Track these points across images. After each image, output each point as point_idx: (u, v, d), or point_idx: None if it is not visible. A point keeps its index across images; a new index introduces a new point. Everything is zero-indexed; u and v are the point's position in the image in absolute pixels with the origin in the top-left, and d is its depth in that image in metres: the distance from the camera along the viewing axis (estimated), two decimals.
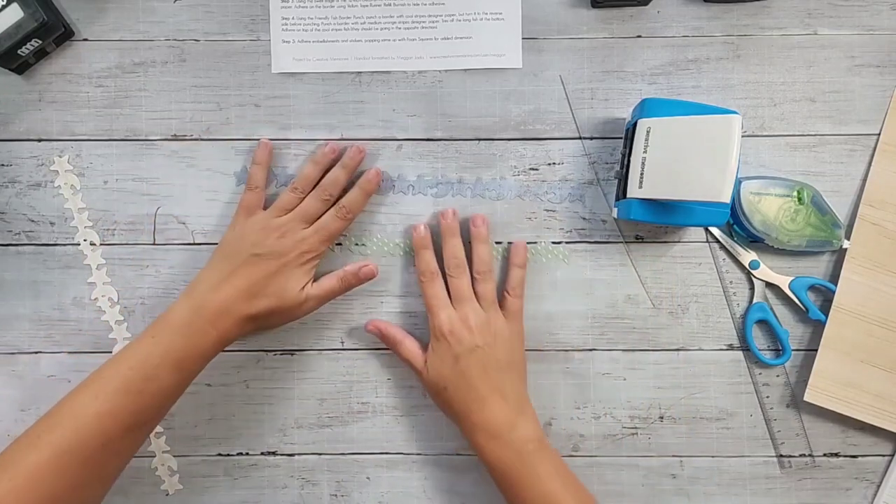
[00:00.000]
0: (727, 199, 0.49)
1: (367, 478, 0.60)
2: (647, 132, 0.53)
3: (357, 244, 0.60)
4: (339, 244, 0.60)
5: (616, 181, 0.58)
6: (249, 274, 0.53)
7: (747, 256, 0.59)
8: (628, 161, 0.55)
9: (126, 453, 0.50)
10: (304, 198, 0.56)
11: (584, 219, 0.60)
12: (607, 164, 0.60)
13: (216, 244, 0.59)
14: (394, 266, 0.60)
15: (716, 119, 0.50)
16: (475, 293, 0.56)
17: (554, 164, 0.60)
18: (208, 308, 0.52)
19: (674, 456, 0.60)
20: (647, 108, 0.54)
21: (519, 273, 0.57)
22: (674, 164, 0.51)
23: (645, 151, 0.53)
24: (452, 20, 0.60)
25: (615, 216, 0.59)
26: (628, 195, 0.54)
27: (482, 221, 0.58)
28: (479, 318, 0.55)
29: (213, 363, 0.59)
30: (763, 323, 0.59)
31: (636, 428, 0.60)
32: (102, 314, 0.60)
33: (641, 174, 0.53)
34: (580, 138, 0.60)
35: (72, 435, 0.46)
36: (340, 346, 0.60)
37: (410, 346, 0.57)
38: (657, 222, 0.55)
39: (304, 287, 0.55)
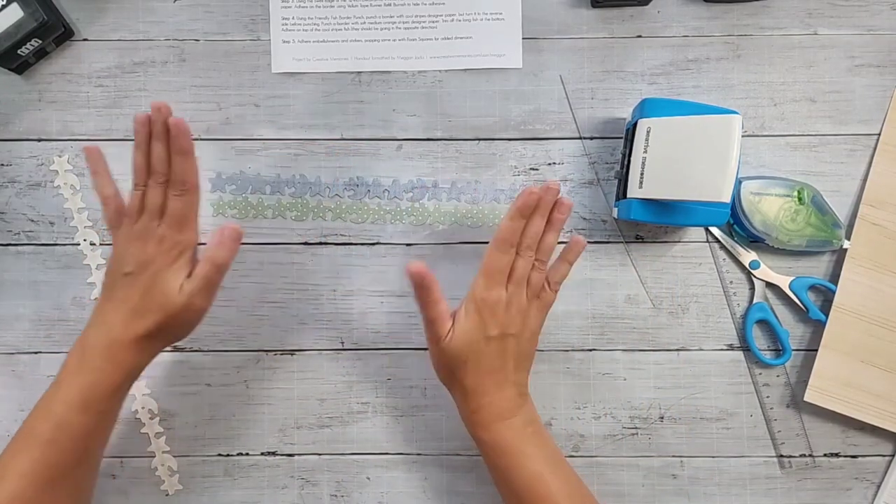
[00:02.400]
0: (727, 199, 0.49)
1: (367, 478, 0.60)
2: (648, 132, 0.53)
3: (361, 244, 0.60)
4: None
5: (616, 181, 0.58)
6: (127, 297, 0.49)
7: (747, 256, 0.59)
8: (628, 161, 0.55)
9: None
10: (146, 191, 0.51)
11: (584, 219, 0.60)
12: (607, 164, 0.60)
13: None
14: (394, 266, 0.60)
15: (716, 119, 0.50)
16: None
17: (554, 164, 0.60)
18: (96, 345, 0.48)
19: (674, 456, 0.60)
20: (647, 108, 0.54)
21: (565, 269, 0.54)
22: (674, 164, 0.51)
23: (645, 151, 0.53)
24: (452, 20, 0.60)
25: (615, 216, 0.59)
26: (628, 195, 0.54)
27: (567, 209, 0.52)
28: (521, 306, 0.52)
29: (214, 363, 0.60)
30: (763, 323, 0.59)
31: (636, 428, 0.60)
32: None
33: (641, 174, 0.53)
34: (580, 138, 0.60)
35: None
36: (340, 347, 0.60)
37: (443, 310, 0.51)
38: (657, 222, 0.55)
39: (181, 286, 0.49)
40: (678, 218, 0.54)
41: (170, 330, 0.50)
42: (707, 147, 0.50)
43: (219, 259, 0.50)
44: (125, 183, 0.60)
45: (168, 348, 0.59)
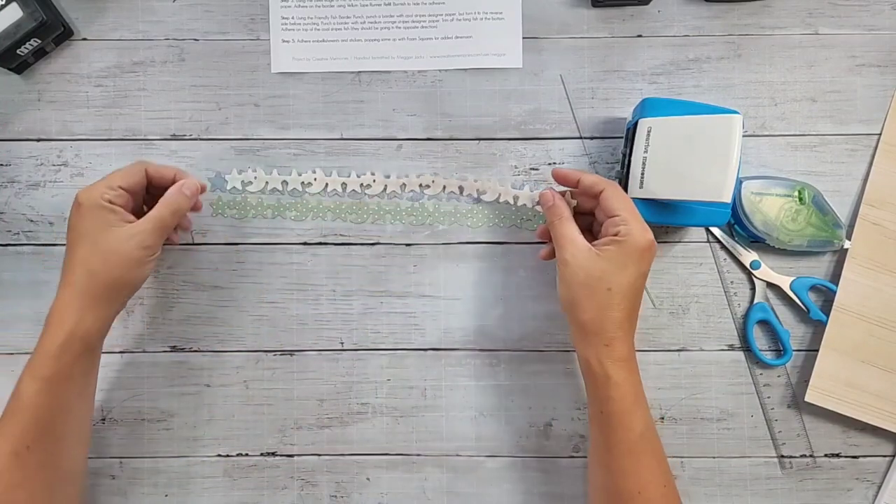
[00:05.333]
0: (728, 199, 0.49)
1: (367, 478, 0.60)
2: (648, 132, 0.53)
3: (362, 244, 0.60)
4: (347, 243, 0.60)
5: (616, 181, 0.58)
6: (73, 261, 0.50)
7: (748, 256, 0.59)
8: (629, 161, 0.54)
9: (26, 483, 0.47)
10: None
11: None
12: (608, 163, 0.60)
13: (216, 244, 0.59)
14: (393, 266, 0.60)
15: (717, 119, 0.50)
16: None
17: (554, 163, 0.60)
18: (51, 311, 0.49)
19: (675, 456, 0.60)
20: (647, 107, 0.54)
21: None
22: (675, 163, 0.51)
23: (646, 151, 0.53)
24: (452, 20, 0.60)
25: None
26: (629, 195, 0.54)
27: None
28: None
29: (213, 363, 0.60)
30: (764, 323, 0.59)
31: None
32: None
33: (642, 174, 0.53)
34: (581, 138, 0.60)
35: None
36: (340, 347, 0.60)
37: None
38: (658, 222, 0.54)
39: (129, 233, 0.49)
40: (679, 218, 0.54)
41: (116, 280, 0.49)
42: (708, 147, 0.50)
43: (174, 204, 0.51)
44: None
45: (167, 348, 0.60)
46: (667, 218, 0.54)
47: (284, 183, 0.59)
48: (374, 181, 0.59)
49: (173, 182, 0.53)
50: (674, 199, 0.53)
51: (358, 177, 0.59)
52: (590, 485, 0.53)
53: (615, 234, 0.48)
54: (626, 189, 0.55)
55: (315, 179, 0.59)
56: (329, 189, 0.60)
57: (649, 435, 0.50)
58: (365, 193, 0.60)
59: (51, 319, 0.48)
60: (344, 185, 0.59)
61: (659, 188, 0.52)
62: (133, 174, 0.52)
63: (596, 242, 0.50)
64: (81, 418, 0.51)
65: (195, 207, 0.55)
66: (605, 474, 0.50)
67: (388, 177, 0.60)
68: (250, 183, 0.59)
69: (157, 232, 0.50)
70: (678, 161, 0.51)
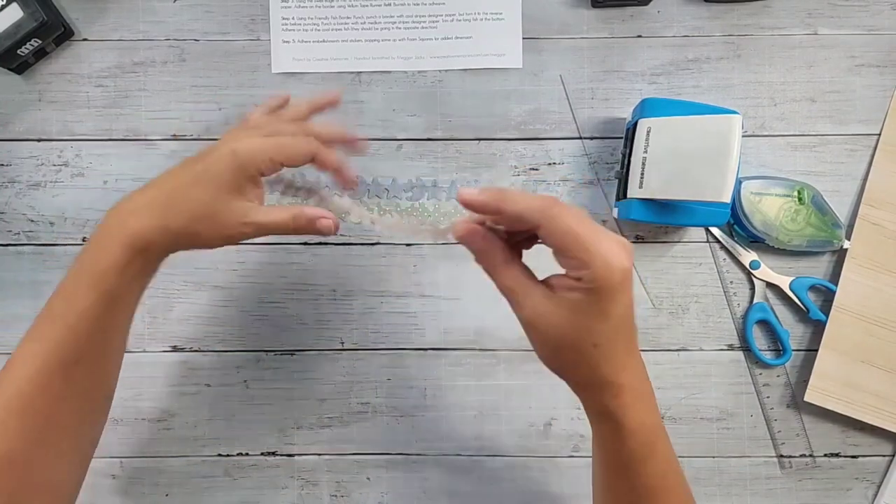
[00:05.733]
0: (728, 199, 0.49)
1: (367, 478, 0.60)
2: (648, 132, 0.53)
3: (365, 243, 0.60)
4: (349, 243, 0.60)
5: (616, 181, 0.58)
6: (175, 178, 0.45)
7: (748, 256, 0.59)
8: (628, 161, 0.54)
9: (72, 398, 0.44)
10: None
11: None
12: (607, 164, 0.60)
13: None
14: (394, 266, 0.60)
15: (716, 119, 0.50)
16: None
17: (554, 163, 0.60)
18: (109, 223, 0.44)
19: None
20: (647, 107, 0.54)
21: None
22: (674, 164, 0.51)
23: (645, 151, 0.53)
24: (452, 20, 0.60)
25: (615, 216, 0.59)
26: (628, 195, 0.54)
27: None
28: None
29: (213, 363, 0.60)
30: (763, 323, 0.59)
31: None
32: None
33: (642, 174, 0.53)
34: (581, 138, 0.60)
35: (7, 385, 0.42)
36: (340, 347, 0.60)
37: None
38: (657, 222, 0.55)
39: (247, 211, 0.45)
40: (678, 218, 0.54)
41: (193, 239, 0.45)
42: (707, 147, 0.50)
43: (300, 224, 0.45)
44: (124, 183, 0.60)
45: (167, 348, 0.60)
46: (666, 218, 0.54)
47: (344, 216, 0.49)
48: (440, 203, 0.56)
49: (333, 172, 0.48)
50: (673, 200, 0.53)
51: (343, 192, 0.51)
52: None
53: (577, 279, 0.36)
54: (625, 189, 0.55)
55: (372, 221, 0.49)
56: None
57: (673, 472, 0.45)
58: (365, 195, 0.58)
59: (122, 227, 0.43)
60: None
61: (658, 188, 0.52)
62: (303, 156, 0.46)
63: (557, 289, 0.38)
64: (125, 339, 0.47)
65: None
66: None
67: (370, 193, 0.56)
68: (348, 213, 0.50)
69: (267, 230, 0.46)
70: (678, 161, 0.51)
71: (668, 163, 0.52)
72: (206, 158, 0.44)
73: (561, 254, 0.37)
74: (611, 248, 0.36)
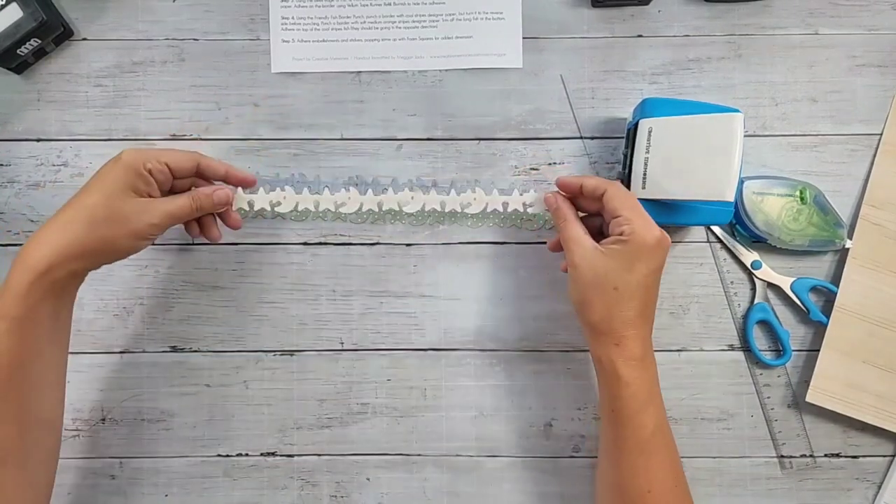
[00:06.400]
0: (732, 197, 0.49)
1: (367, 479, 0.60)
2: (649, 132, 0.53)
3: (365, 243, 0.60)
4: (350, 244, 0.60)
5: (619, 181, 0.58)
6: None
7: (749, 256, 0.59)
8: (630, 161, 0.54)
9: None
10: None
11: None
12: (608, 164, 0.60)
13: (216, 244, 0.59)
14: (393, 266, 0.60)
15: (718, 118, 0.50)
16: None
17: (554, 163, 0.60)
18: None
19: None
20: (648, 107, 0.54)
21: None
22: (677, 163, 0.51)
23: (647, 152, 0.53)
24: (453, 19, 0.60)
25: None
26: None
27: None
28: None
29: (213, 363, 0.60)
30: (764, 323, 0.59)
31: None
32: (102, 314, 0.60)
33: (644, 175, 0.53)
34: (581, 138, 0.60)
35: None
36: (340, 347, 0.60)
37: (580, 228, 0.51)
38: (661, 222, 0.54)
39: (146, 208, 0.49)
40: (682, 217, 0.54)
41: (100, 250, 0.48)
42: (710, 146, 0.50)
43: (200, 201, 0.52)
44: None
45: (167, 348, 0.60)
46: (670, 217, 0.54)
47: (317, 203, 0.58)
48: (413, 198, 0.58)
49: (223, 178, 0.55)
50: (677, 200, 0.52)
51: (395, 193, 0.58)
52: (599, 482, 0.53)
53: (620, 234, 0.48)
54: (628, 189, 0.55)
55: (349, 199, 0.58)
56: (364, 209, 0.58)
57: (661, 433, 0.50)
58: (403, 211, 0.59)
59: (23, 255, 0.45)
60: (380, 204, 0.58)
61: (661, 188, 0.52)
62: (185, 160, 0.52)
63: (602, 242, 0.49)
64: (54, 364, 0.49)
65: (230, 217, 0.56)
66: (614, 472, 0.50)
67: (367, 192, 0.58)
68: (279, 203, 0.58)
69: (171, 217, 0.50)
70: (680, 161, 0.51)
71: (671, 163, 0.52)
72: (96, 173, 0.49)
73: (615, 212, 0.49)
74: (650, 221, 0.49)
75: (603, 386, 0.50)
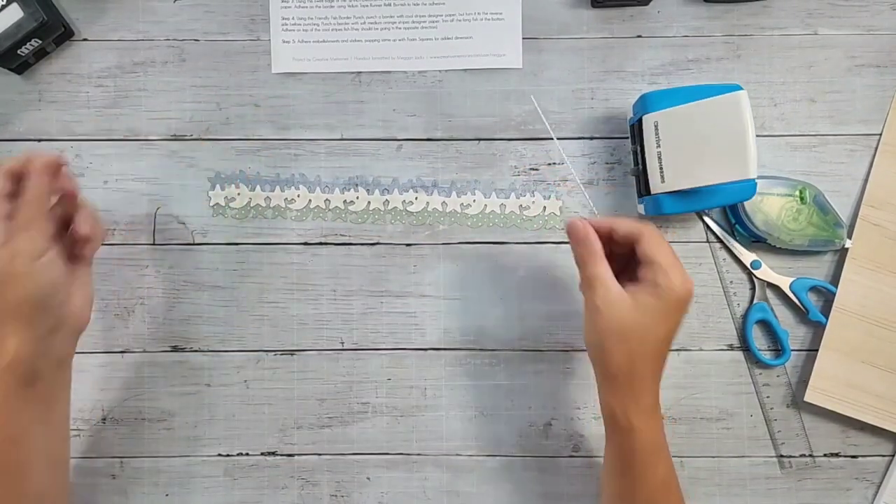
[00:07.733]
0: (754, 174, 0.49)
1: (368, 478, 0.60)
2: (656, 126, 0.52)
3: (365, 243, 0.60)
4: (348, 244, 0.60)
5: (634, 179, 0.58)
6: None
7: (749, 256, 0.59)
8: (643, 157, 0.54)
9: None
10: None
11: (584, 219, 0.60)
12: (607, 164, 0.60)
13: (216, 244, 0.59)
14: (393, 266, 0.60)
15: (722, 99, 0.50)
16: None
17: (554, 164, 0.60)
18: None
19: (675, 456, 0.59)
20: (647, 102, 0.54)
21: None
22: (691, 152, 0.51)
23: (658, 146, 0.53)
24: (452, 20, 0.60)
25: (642, 213, 0.58)
26: (652, 191, 0.54)
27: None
28: None
29: (213, 363, 0.60)
30: (763, 323, 0.59)
31: None
32: (102, 314, 0.60)
33: (661, 169, 0.53)
34: (581, 138, 0.60)
35: None
36: (340, 347, 0.60)
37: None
38: (688, 211, 0.54)
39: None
40: (705, 202, 0.54)
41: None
42: (720, 128, 0.50)
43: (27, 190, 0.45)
44: (124, 183, 0.60)
45: (167, 348, 0.60)
46: (693, 204, 0.53)
47: (268, 199, 0.59)
48: (358, 197, 0.59)
49: (35, 169, 0.46)
50: (700, 186, 0.52)
51: (341, 192, 0.59)
52: None
53: (654, 285, 0.45)
54: (647, 186, 0.54)
55: (298, 196, 0.59)
56: (312, 206, 0.60)
57: (669, 483, 0.49)
58: (349, 210, 0.59)
59: None
60: (327, 201, 0.59)
61: (682, 179, 0.52)
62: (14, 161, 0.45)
63: (631, 289, 0.45)
64: (47, 443, 0.48)
65: (71, 197, 0.49)
66: None
67: (370, 192, 0.59)
68: (233, 199, 0.59)
69: (12, 231, 0.44)
70: (694, 148, 0.51)
71: (685, 152, 0.51)
72: None
73: (649, 259, 0.46)
74: (685, 273, 0.46)
75: (614, 436, 0.48)
